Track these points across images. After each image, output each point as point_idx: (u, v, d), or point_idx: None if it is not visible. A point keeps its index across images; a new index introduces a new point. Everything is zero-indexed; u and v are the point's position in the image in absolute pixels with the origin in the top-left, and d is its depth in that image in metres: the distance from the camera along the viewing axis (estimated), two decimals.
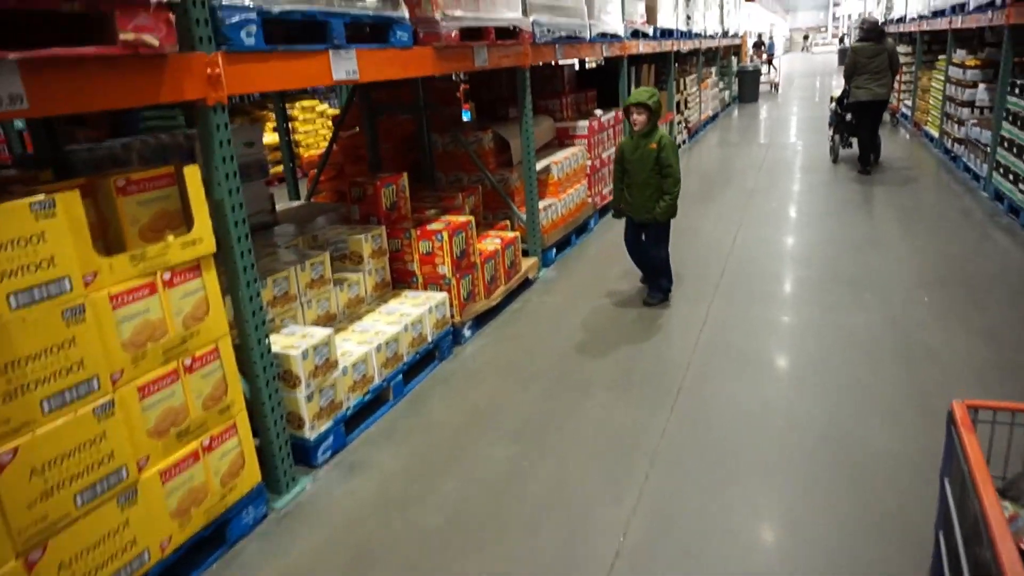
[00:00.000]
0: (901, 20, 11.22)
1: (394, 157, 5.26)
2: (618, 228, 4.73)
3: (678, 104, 9.69)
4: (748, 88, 15.96)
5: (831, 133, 8.16)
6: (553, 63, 5.57)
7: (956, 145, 7.32)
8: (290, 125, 9.75)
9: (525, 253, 4.84)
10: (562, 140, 6.00)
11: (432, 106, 5.00)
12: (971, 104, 6.85)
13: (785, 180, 7.43)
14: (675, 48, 8.99)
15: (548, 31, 4.64)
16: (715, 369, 3.28)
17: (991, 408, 1.44)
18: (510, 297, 4.36)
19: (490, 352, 3.69)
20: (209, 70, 2.01)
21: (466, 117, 6.68)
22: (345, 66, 2.64)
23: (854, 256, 4.74)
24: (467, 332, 3.80)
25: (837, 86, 8.08)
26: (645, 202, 3.91)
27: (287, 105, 9.77)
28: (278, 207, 5.14)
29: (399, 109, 5.07)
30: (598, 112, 6.37)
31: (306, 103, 9.85)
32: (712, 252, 5.06)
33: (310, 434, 2.61)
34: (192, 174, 1.96)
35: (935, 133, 8.47)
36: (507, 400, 3.14)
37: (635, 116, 3.81)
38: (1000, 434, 1.50)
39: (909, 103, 10.67)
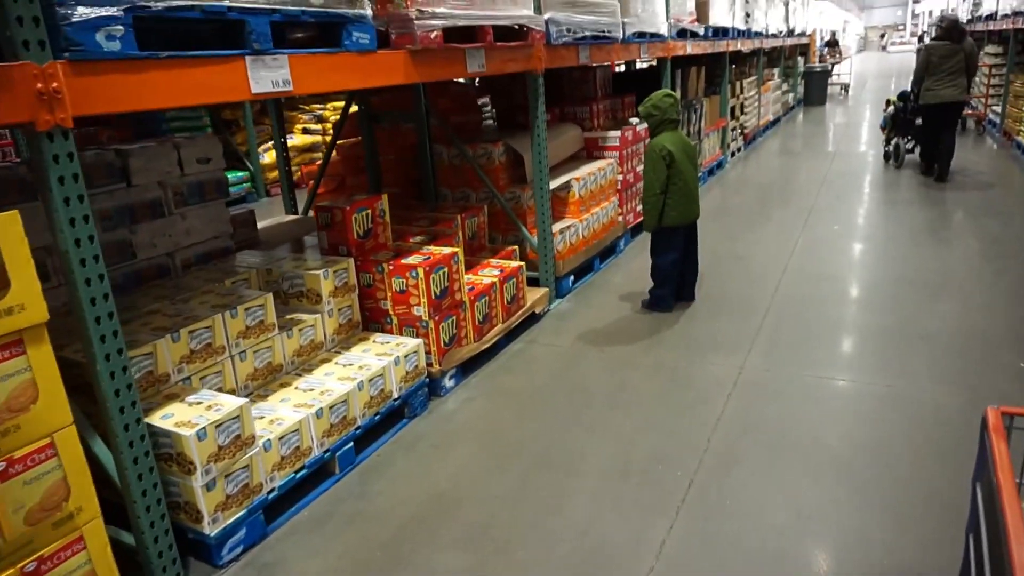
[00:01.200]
0: (991, 17, 10.00)
1: (397, 169, 4.77)
2: (648, 252, 4.11)
3: (733, 109, 8.87)
4: (815, 90, 14.83)
5: (885, 135, 7.89)
6: (583, 66, 4.94)
7: None
8: (322, 127, 9.44)
9: (536, 282, 4.26)
10: (591, 152, 5.37)
11: (437, 114, 4.47)
12: None
13: (850, 196, 6.56)
14: (731, 48, 8.20)
15: (568, 31, 4.03)
16: (740, 455, 2.62)
17: None
18: (510, 335, 3.79)
19: (472, 410, 3.13)
20: (40, 84, 1.53)
21: None
22: (272, 76, 2.14)
23: (928, 300, 3.94)
24: (449, 382, 3.26)
25: None
26: None
27: (318, 106, 9.47)
28: (272, 222, 4.74)
29: (401, 117, 4.55)
30: (633, 121, 5.71)
31: (339, 104, 9.51)
32: (756, 286, 4.34)
33: (210, 529, 2.11)
34: (6, 224, 1.48)
35: None
36: (476, 482, 2.58)
37: None
38: None
39: (998, 109, 9.48)
